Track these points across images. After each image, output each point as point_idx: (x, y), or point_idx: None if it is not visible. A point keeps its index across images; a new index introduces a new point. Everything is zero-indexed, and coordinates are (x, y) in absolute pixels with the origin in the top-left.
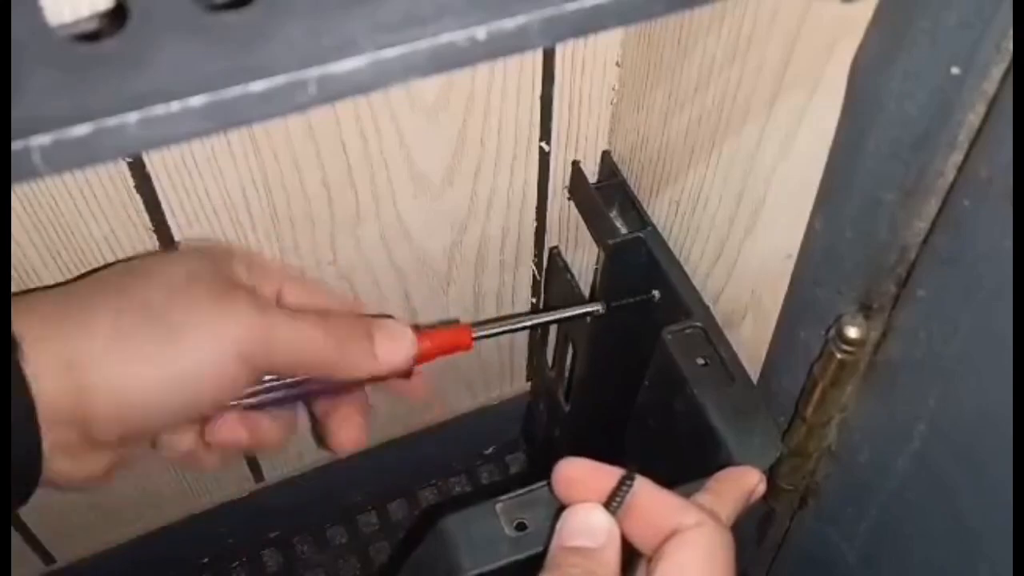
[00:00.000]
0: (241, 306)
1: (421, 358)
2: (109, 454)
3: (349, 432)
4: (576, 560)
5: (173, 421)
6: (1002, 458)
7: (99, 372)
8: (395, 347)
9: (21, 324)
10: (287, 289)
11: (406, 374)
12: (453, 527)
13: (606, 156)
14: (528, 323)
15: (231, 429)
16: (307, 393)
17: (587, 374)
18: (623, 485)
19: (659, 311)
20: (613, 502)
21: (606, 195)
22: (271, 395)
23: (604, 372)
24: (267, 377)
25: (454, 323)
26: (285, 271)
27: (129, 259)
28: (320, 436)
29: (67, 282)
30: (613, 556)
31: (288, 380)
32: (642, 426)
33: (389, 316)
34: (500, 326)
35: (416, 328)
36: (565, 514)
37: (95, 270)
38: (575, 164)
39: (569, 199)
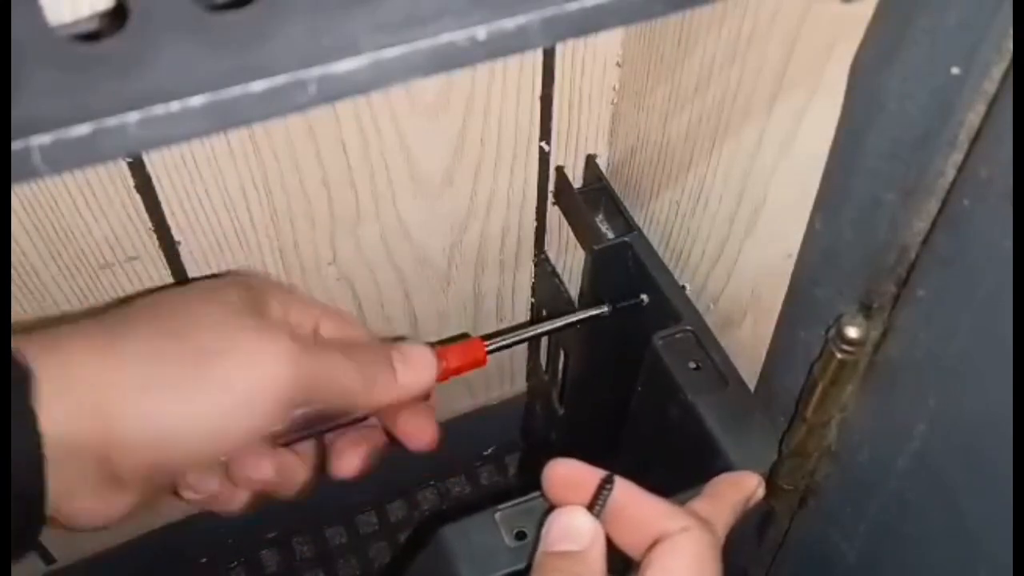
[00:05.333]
0: (278, 343)
1: (438, 378)
2: (135, 494)
3: (350, 460)
4: (561, 564)
5: (201, 458)
6: (1002, 458)
7: (127, 406)
8: (417, 373)
9: (43, 362)
10: (323, 324)
11: (424, 396)
12: (452, 537)
13: (591, 161)
14: (538, 331)
15: (258, 466)
16: (328, 428)
17: (580, 378)
18: (603, 488)
19: (648, 315)
20: (596, 505)
21: (591, 200)
22: (294, 432)
23: (596, 376)
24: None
25: (463, 337)
26: (322, 307)
27: (162, 288)
28: (323, 460)
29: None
30: (598, 558)
31: (311, 413)
32: (638, 432)
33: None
34: (510, 337)
35: (431, 346)
36: (549, 519)
37: (126, 299)
38: (559, 169)
39: (554, 204)
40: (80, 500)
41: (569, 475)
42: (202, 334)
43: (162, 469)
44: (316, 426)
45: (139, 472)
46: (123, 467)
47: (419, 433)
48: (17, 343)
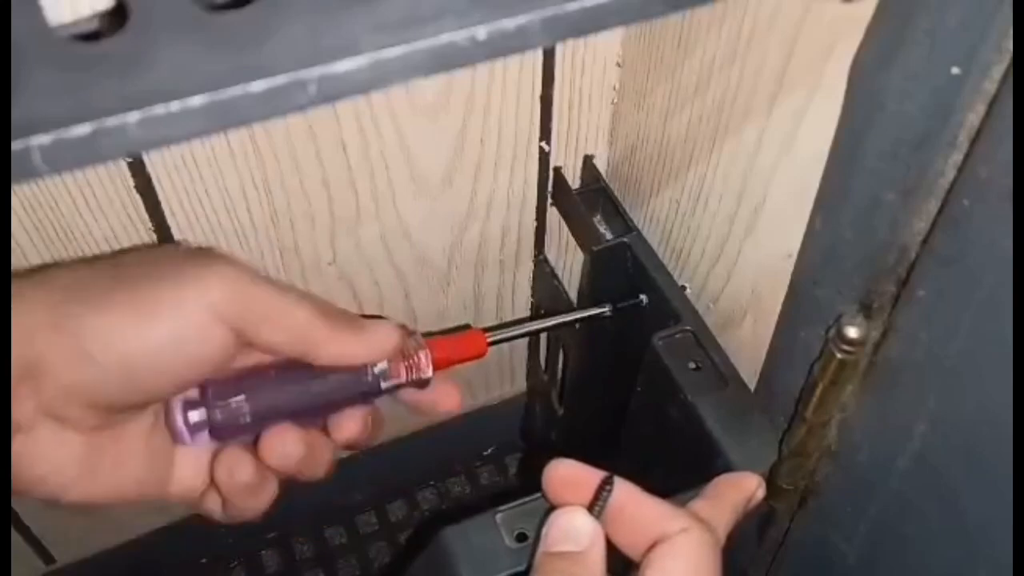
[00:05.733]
0: (220, 267)
1: (437, 365)
2: (80, 432)
3: (349, 424)
4: (561, 565)
5: (167, 386)
6: (1002, 458)
7: (93, 333)
8: (380, 336)
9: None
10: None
11: (422, 384)
12: (453, 538)
13: (588, 161)
14: (540, 326)
15: (288, 442)
16: (322, 404)
17: (579, 378)
18: (603, 489)
19: (648, 315)
20: (596, 506)
21: (590, 201)
22: (285, 396)
23: (596, 376)
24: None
25: (465, 328)
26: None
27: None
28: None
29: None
30: (598, 558)
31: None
32: (637, 432)
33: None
34: (511, 330)
35: (431, 335)
36: (549, 520)
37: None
38: (557, 170)
39: (551, 205)
40: (44, 434)
41: (569, 476)
42: (150, 269)
43: (106, 400)
44: (308, 397)
45: (75, 401)
46: (60, 395)
47: (446, 397)
48: None
